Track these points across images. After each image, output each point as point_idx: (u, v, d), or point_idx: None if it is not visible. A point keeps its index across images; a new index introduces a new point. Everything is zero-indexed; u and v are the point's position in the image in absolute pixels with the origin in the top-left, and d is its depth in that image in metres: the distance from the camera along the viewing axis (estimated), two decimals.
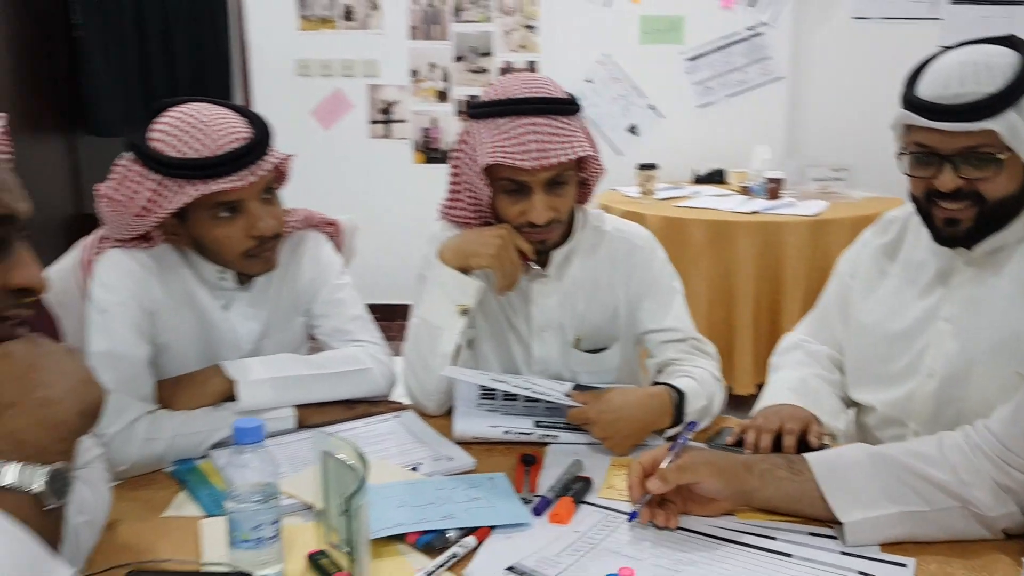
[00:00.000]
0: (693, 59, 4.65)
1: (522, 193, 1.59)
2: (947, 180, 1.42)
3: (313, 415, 1.61)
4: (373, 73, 4.86)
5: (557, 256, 1.71)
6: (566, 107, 1.59)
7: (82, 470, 1.24)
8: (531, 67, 4.76)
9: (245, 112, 1.58)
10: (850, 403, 1.70)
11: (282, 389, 1.59)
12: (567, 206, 1.64)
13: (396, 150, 4.90)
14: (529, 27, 4.75)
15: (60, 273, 1.63)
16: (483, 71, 4.83)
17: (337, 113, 4.88)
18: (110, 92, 5.23)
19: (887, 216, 1.70)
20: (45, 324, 1.69)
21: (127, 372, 1.51)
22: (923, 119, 1.41)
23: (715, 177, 4.46)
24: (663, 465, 1.27)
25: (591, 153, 1.61)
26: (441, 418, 1.65)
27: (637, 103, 4.75)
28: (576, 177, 1.65)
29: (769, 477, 1.28)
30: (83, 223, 1.60)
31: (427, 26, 4.80)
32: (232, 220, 1.54)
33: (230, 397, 1.56)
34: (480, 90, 4.77)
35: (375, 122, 4.91)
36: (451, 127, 4.88)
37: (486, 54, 4.81)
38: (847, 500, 1.24)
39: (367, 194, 4.88)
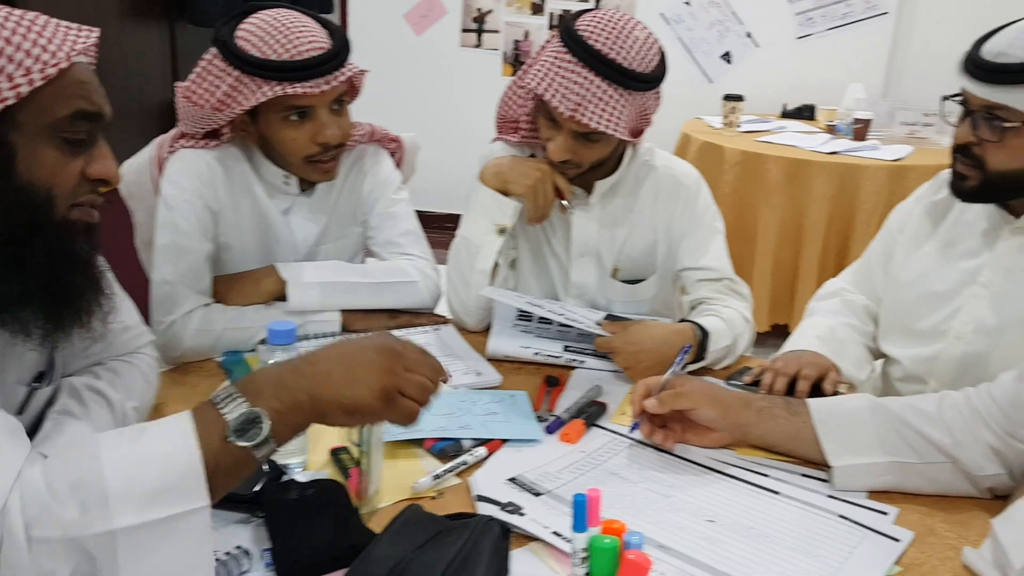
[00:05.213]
0: None
1: (556, 128, 1.64)
2: (961, 133, 1.48)
3: (358, 321, 1.72)
4: None
5: (601, 186, 1.76)
6: (626, 80, 1.56)
7: (134, 356, 1.37)
8: None
9: (328, 24, 1.66)
10: (879, 354, 1.73)
11: (330, 293, 1.69)
12: (590, 157, 1.67)
13: (485, 61, 4.92)
14: None
15: (135, 167, 1.76)
16: None
17: (430, 19, 4.91)
18: None
19: (945, 173, 1.68)
20: (117, 214, 1.83)
21: (187, 266, 1.63)
22: (962, 71, 1.46)
23: (804, 113, 4.37)
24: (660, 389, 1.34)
25: (613, 134, 1.58)
26: (478, 334, 1.74)
27: (734, 30, 4.64)
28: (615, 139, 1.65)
29: (766, 414, 1.34)
30: (175, 112, 1.70)
31: None
32: (300, 124, 1.63)
33: (282, 297, 1.68)
34: (577, 5, 4.74)
35: (467, 31, 4.93)
36: (542, 41, 4.85)
37: None
38: (840, 444, 1.29)
39: (452, 103, 4.93)
